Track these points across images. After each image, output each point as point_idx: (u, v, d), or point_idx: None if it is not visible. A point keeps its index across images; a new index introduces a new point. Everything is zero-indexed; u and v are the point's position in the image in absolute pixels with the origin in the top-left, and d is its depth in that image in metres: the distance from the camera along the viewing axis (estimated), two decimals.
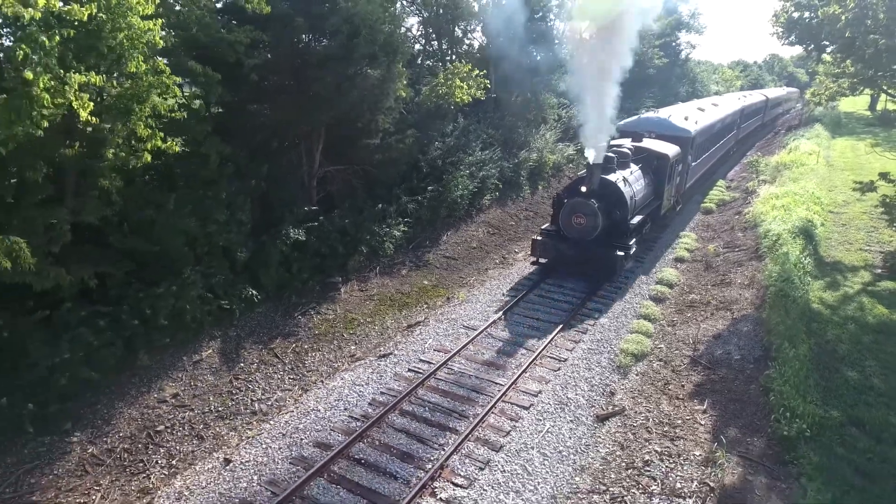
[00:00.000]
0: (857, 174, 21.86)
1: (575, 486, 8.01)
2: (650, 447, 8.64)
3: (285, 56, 12.75)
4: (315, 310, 13.16)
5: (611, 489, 7.88)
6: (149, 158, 8.30)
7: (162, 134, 8.44)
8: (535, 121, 26.17)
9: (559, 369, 10.76)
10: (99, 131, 8.08)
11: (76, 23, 6.87)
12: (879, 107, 44.52)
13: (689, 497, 7.41)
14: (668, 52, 45.43)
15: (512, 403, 9.64)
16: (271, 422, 9.54)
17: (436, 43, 24.40)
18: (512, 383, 10.05)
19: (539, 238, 15.11)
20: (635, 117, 21.83)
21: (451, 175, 18.56)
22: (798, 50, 19.78)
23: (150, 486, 8.29)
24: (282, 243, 13.09)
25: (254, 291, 12.23)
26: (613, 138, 16.81)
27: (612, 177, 14.53)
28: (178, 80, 8.49)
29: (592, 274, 14.26)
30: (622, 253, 13.98)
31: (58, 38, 6.61)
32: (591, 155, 13.99)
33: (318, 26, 12.77)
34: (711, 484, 7.58)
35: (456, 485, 7.76)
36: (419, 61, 22.59)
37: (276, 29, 12.20)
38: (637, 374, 10.80)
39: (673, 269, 15.91)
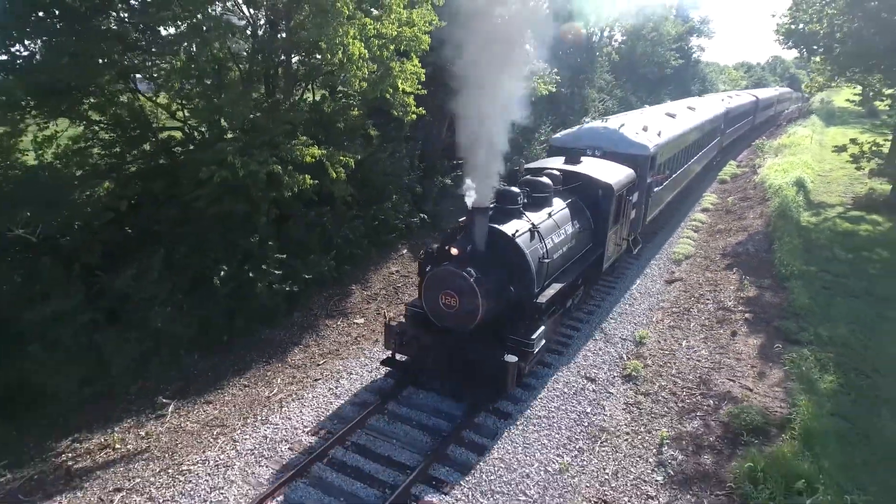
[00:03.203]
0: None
1: (661, 307, 13.82)
2: (702, 290, 14.47)
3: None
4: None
5: (683, 305, 13.71)
6: (414, 117, 14.19)
7: (414, 102, 14.34)
8: (580, 111, 32.09)
9: (629, 268, 16.60)
10: (385, 100, 13.98)
11: (404, 37, 12.76)
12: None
13: (730, 300, 13.26)
14: (681, 55, 51.34)
15: (616, 268, 15.50)
16: None
17: None
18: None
19: (394, 323, 9.64)
20: (575, 128, 16.45)
21: (529, 149, 24.50)
22: (796, 52, 24.41)
23: None
24: (435, 186, 19.00)
25: (424, 216, 18.13)
26: (521, 161, 12.27)
27: (508, 226, 9.31)
28: (424, 70, 14.34)
29: (470, 389, 8.98)
30: (514, 358, 8.49)
31: (392, 46, 12.53)
32: (472, 193, 8.61)
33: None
34: (742, 296, 13.43)
35: (595, 297, 13.60)
36: None
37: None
38: (687, 264, 16.60)
39: (702, 214, 21.72)
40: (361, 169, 15.87)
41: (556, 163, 13.05)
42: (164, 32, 11.27)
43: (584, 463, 8.23)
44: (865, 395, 9.34)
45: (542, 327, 9.29)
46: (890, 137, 21.41)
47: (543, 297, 9.42)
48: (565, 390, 9.95)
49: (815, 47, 22.04)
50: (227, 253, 12.43)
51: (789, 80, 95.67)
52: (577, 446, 8.56)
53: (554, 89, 25.62)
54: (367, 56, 11.14)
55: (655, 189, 16.20)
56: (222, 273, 11.70)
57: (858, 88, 22.99)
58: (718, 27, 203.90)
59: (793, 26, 22.16)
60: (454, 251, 8.70)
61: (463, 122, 8.42)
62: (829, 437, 7.98)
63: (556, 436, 8.74)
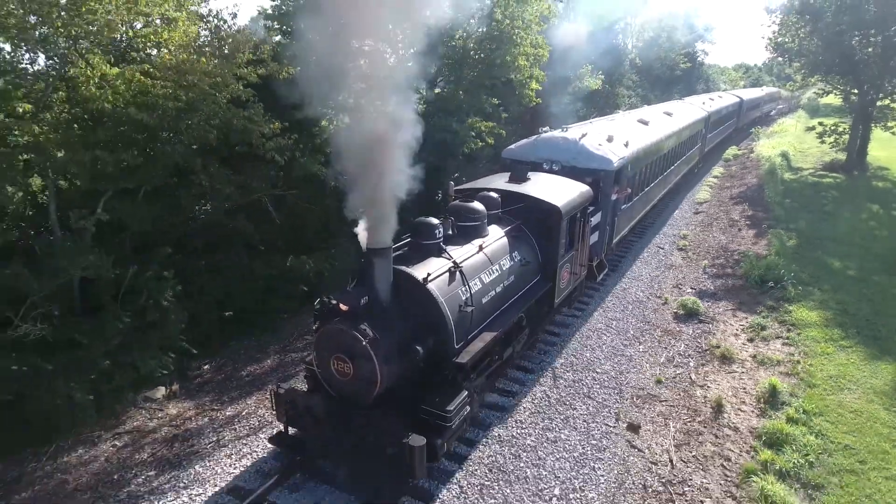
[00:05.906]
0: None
1: (693, 225, 21.98)
2: (719, 216, 22.64)
3: None
4: None
5: (706, 222, 21.89)
6: (534, 102, 22.35)
7: (533, 94, 22.53)
8: (612, 105, 40.26)
9: (669, 204, 24.77)
10: (512, 93, 22.14)
11: (537, 55, 20.96)
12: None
13: (737, 217, 21.49)
14: (688, 58, 59.60)
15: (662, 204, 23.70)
16: None
17: None
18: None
19: (283, 390, 7.82)
20: (532, 139, 14.63)
21: None
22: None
23: None
24: None
25: None
26: (457, 182, 11.35)
27: (419, 268, 7.72)
28: (544, 74, 22.51)
29: (365, 476, 7.19)
30: (421, 441, 6.77)
31: (531, 59, 20.70)
32: (363, 231, 7.18)
33: None
34: (744, 214, 21.67)
35: (650, 217, 21.76)
36: None
37: None
38: (706, 205, 24.79)
39: (713, 179, 29.96)
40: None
41: (499, 182, 11.14)
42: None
43: (666, 274, 16.42)
44: (809, 243, 17.69)
45: (464, 393, 7.51)
46: (849, 122, 29.74)
47: (467, 355, 7.71)
48: (648, 252, 18.15)
49: (792, 57, 30.30)
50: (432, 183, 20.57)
51: (787, 80, 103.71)
52: (661, 269, 16.74)
53: (599, 86, 33.79)
54: (527, 66, 19.34)
55: (623, 206, 14.88)
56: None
57: (828, 86, 31.24)
58: (722, 31, 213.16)
59: (779, 40, 30.41)
60: (343, 307, 6.97)
61: (353, 140, 6.65)
62: (788, 256, 16.29)
63: (650, 266, 16.91)
